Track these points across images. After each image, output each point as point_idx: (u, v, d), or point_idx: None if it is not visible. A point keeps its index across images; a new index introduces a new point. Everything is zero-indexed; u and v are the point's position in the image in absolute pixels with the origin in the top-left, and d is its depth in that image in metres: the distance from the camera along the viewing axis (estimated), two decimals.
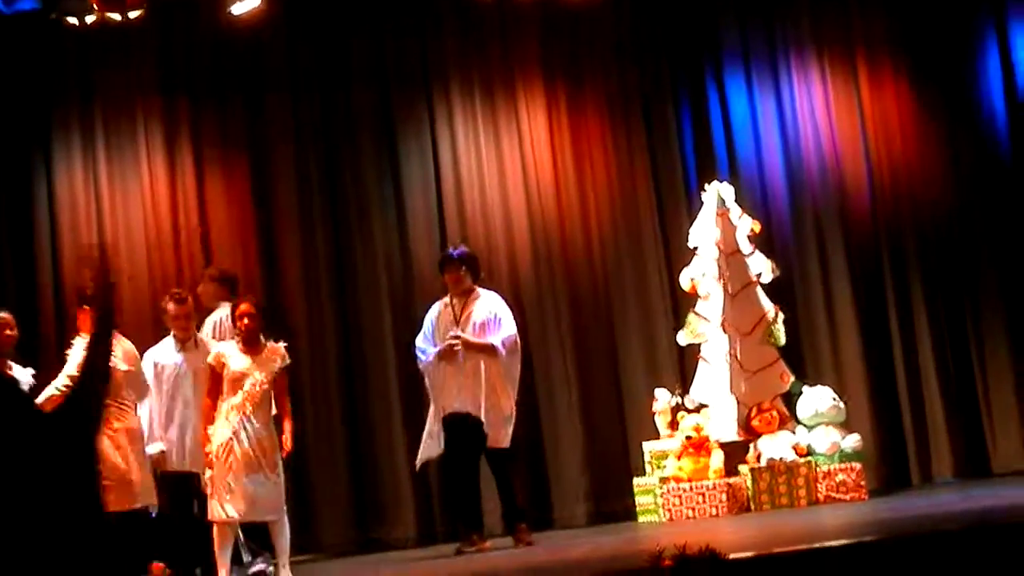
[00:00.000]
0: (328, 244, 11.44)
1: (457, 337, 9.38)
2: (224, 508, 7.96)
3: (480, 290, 9.65)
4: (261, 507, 8.04)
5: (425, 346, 9.58)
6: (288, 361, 8.27)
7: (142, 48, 11.27)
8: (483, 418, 9.32)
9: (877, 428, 11.49)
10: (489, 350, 9.42)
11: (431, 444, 9.49)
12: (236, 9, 10.90)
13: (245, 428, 8.02)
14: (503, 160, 11.71)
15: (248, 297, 8.58)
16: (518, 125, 11.77)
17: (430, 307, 9.76)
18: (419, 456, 9.64)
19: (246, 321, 8.23)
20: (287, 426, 8.13)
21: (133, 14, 10.62)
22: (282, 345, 8.29)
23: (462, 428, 9.35)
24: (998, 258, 11.89)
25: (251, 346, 8.22)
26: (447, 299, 9.62)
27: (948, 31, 12.30)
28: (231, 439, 7.99)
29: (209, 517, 8.04)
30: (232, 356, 8.19)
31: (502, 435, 9.39)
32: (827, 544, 6.12)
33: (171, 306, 9.03)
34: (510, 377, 9.54)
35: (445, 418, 9.41)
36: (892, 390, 11.73)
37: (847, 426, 10.59)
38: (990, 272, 11.89)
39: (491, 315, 9.53)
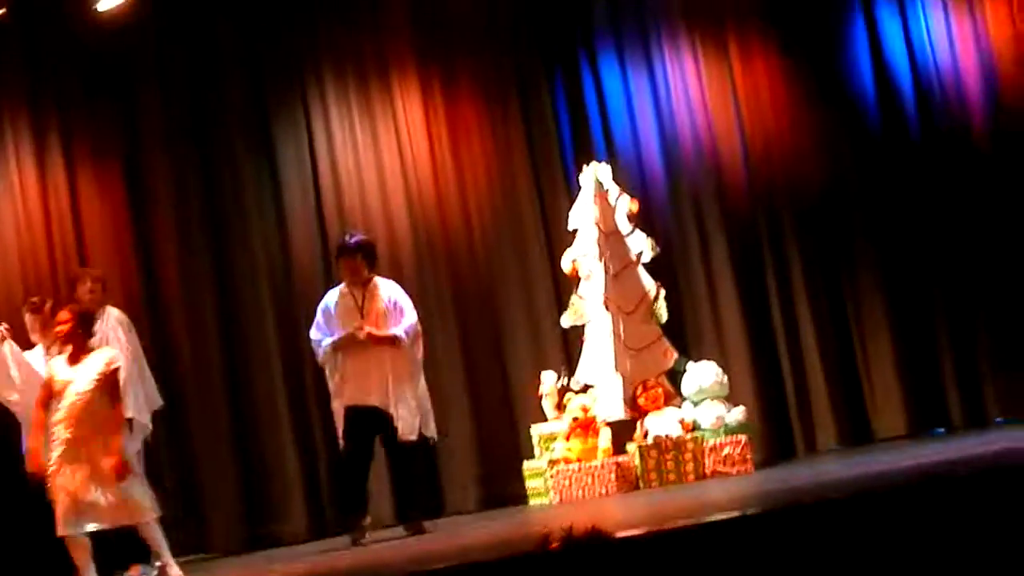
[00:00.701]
0: (206, 245, 11.26)
1: (361, 328, 9.24)
2: (62, 523, 7.82)
3: (378, 279, 9.50)
4: (114, 516, 7.87)
5: (321, 337, 9.40)
6: (115, 365, 7.99)
7: (6, 53, 11.04)
8: (393, 411, 9.22)
9: (761, 401, 11.62)
10: (393, 341, 9.31)
11: None
12: (102, 5, 10.72)
13: (76, 441, 7.86)
14: (380, 150, 11.64)
15: (69, 304, 8.40)
16: (394, 113, 11.71)
17: (321, 299, 9.60)
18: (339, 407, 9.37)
19: (59, 328, 8.08)
20: (113, 441, 7.89)
21: None
22: (106, 351, 8.06)
23: (367, 421, 9.23)
24: (872, 228, 12.06)
25: (74, 355, 8.02)
26: (343, 288, 9.46)
27: (815, 4, 12.46)
28: (62, 453, 7.85)
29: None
30: (58, 367, 8.02)
31: (411, 426, 9.28)
32: (714, 518, 6.17)
33: (27, 317, 8.98)
34: (416, 366, 9.45)
35: (348, 410, 9.28)
36: (775, 363, 11.87)
37: (731, 400, 10.70)
38: (865, 241, 12.06)
39: (392, 304, 9.41)
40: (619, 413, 10.57)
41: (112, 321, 9.58)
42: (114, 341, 9.34)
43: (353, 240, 9.58)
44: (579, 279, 11.00)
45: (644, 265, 10.98)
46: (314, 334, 9.44)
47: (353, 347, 9.23)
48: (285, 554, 9.96)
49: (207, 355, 11.13)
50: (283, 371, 11.08)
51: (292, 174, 11.49)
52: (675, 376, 10.79)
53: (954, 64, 12.32)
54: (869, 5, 12.48)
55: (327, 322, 9.37)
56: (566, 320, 11.08)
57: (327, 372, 9.47)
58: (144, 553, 9.23)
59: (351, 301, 9.34)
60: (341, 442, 9.34)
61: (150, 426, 9.60)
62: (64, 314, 8.10)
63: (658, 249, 11.04)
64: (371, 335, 9.20)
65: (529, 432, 10.84)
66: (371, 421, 9.21)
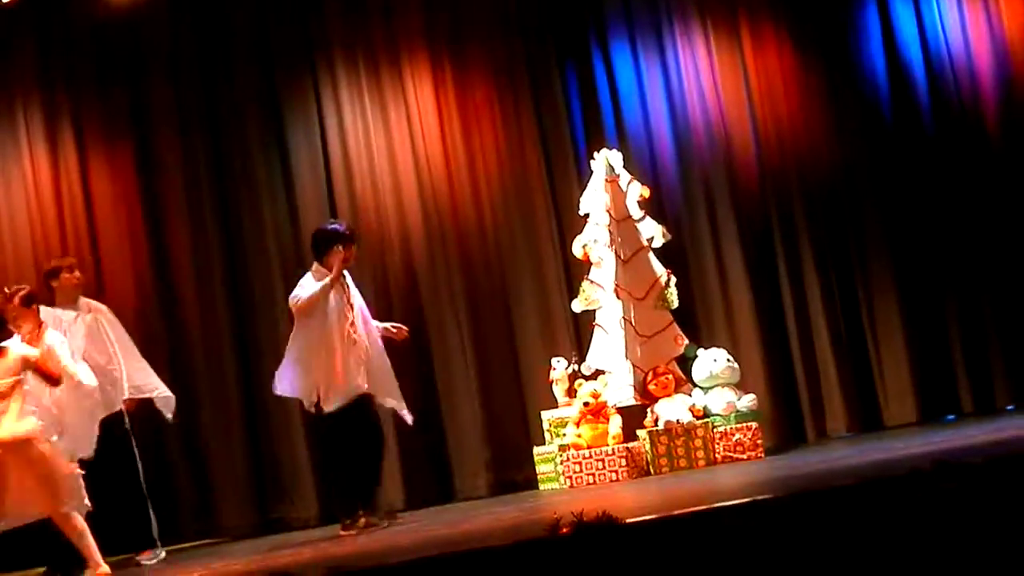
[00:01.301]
0: (217, 227, 11.24)
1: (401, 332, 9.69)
2: None
3: None
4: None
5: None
6: (30, 355, 7.97)
7: (18, 36, 11.05)
8: (395, 398, 9.44)
9: (772, 387, 11.61)
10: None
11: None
12: None
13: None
14: (391, 134, 11.62)
15: None
16: (405, 98, 11.69)
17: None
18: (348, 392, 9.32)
19: None
20: None
21: None
22: (16, 345, 8.03)
23: (371, 411, 9.34)
24: (883, 217, 12.04)
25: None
26: (321, 276, 9.39)
27: None
28: None
29: None
30: None
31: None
32: (724, 504, 6.17)
33: None
34: None
35: (362, 397, 9.30)
36: (785, 349, 11.85)
37: (742, 386, 10.70)
38: (877, 231, 12.04)
39: (357, 291, 9.56)
40: (629, 399, 10.58)
41: (95, 308, 9.63)
42: (106, 327, 9.43)
43: (348, 228, 9.65)
44: (590, 265, 11.00)
45: (655, 251, 10.97)
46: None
47: (349, 340, 9.28)
48: (295, 539, 9.96)
49: (218, 339, 11.14)
50: None
51: (303, 158, 11.48)
52: (685, 362, 10.79)
53: (968, 55, 12.31)
54: None
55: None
56: (577, 306, 11.08)
57: (303, 354, 9.41)
58: (149, 537, 9.33)
59: (340, 293, 9.38)
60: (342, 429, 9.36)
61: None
62: None
63: (669, 236, 11.04)
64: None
65: (540, 418, 10.85)
66: (372, 412, 9.34)
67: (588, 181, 11.14)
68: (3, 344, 7.98)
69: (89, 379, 8.67)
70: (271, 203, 11.37)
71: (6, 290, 8.77)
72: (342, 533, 9.17)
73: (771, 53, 12.34)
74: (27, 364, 7.94)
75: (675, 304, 10.87)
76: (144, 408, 9.72)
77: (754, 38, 12.31)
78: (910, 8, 12.43)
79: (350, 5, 11.73)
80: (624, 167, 11.09)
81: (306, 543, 9.27)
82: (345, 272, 9.47)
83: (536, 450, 10.76)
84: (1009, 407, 11.55)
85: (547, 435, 10.68)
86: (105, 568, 8.04)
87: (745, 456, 10.20)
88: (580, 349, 11.13)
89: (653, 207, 11.20)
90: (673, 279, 10.85)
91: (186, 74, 11.38)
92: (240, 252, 11.29)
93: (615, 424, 10.34)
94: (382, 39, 11.73)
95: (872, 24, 12.43)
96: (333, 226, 9.76)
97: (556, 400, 10.80)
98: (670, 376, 10.57)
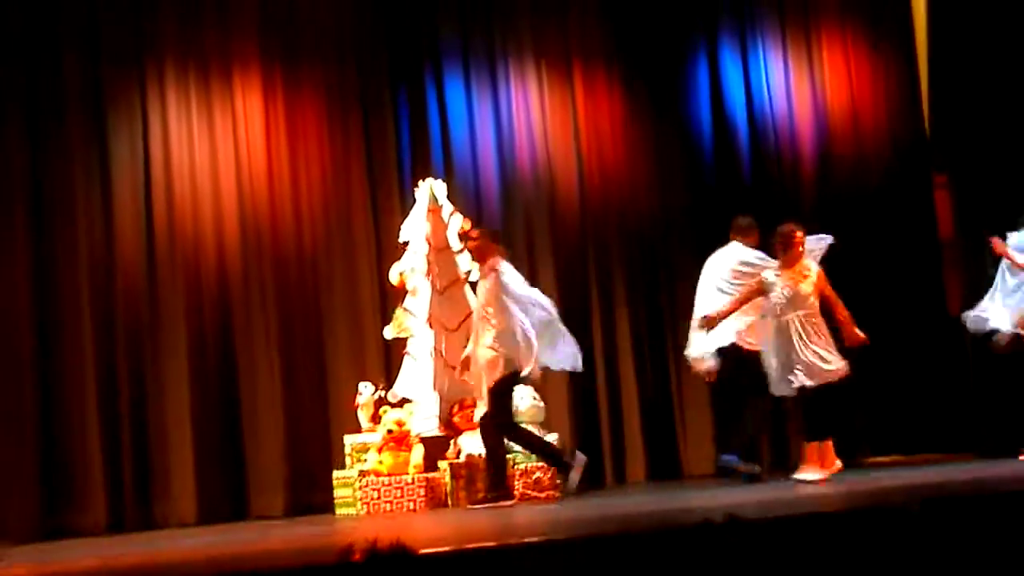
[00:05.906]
0: (26, 220, 10.88)
1: None
2: None
3: None
4: None
5: None
6: None
7: None
8: None
9: (575, 428, 11.72)
10: None
11: None
12: None
13: None
14: (215, 143, 11.47)
15: None
16: (233, 108, 11.55)
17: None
18: None
19: None
20: None
21: None
22: None
23: None
24: (697, 268, 12.22)
25: None
26: None
27: (661, 46, 12.71)
28: None
29: None
30: None
31: None
32: (518, 541, 6.18)
33: None
34: None
35: None
36: (592, 392, 11.97)
37: (546, 425, 10.76)
38: (689, 281, 12.22)
39: None
40: (434, 430, 10.57)
41: None
42: None
43: None
44: (406, 292, 10.98)
45: (471, 284, 11.00)
46: None
47: None
48: (80, 544, 9.72)
49: (16, 337, 10.73)
50: (95, 359, 10.79)
51: (123, 158, 11.20)
52: None
53: (789, 116, 12.70)
54: (713, 51, 12.78)
55: None
56: (389, 332, 11.04)
57: None
58: None
59: None
60: None
61: None
62: None
63: None
64: None
65: (342, 441, 10.77)
66: None
67: (411, 208, 11.12)
68: None
69: None
70: (85, 199, 11.05)
71: None
72: None
73: (602, 98, 12.53)
74: None
75: None
76: None
77: (586, 82, 12.50)
78: (739, 67, 12.75)
79: (185, 9, 11.55)
80: (448, 198, 11.11)
81: (95, 548, 9.05)
82: None
83: (336, 474, 10.68)
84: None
85: (348, 459, 10.61)
86: None
87: (543, 495, 10.25)
88: (389, 376, 11.09)
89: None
90: None
91: (10, 63, 11.01)
92: (49, 254, 10.91)
93: (417, 453, 10.33)
94: (215, 47, 11.58)
95: (702, 79, 12.73)
96: None
97: (360, 425, 10.74)
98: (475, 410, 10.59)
